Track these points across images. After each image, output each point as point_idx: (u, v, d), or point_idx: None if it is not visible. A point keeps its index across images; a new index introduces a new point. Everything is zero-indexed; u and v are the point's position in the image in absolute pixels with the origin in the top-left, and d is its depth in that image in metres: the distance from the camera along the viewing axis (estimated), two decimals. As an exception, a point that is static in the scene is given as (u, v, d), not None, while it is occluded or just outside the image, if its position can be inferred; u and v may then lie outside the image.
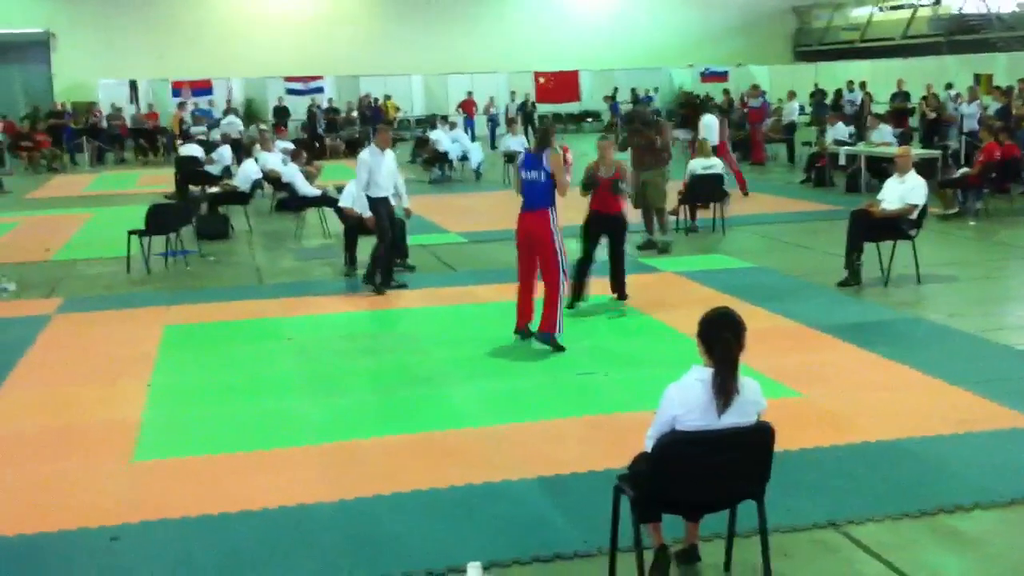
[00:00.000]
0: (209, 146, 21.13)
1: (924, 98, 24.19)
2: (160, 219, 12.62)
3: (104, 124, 31.43)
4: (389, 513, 5.37)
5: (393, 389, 7.58)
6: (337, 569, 4.75)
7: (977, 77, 29.14)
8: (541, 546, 4.90)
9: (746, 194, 18.01)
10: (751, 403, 4.16)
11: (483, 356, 8.39)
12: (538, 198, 8.82)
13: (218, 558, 4.91)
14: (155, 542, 5.13)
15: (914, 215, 10.55)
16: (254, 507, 5.47)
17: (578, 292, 9.89)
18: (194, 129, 27.15)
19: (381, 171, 10.77)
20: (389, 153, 11.10)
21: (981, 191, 15.58)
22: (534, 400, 7.22)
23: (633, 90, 37.57)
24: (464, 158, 23.06)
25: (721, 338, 4.13)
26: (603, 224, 10.07)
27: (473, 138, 27.58)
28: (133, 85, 35.36)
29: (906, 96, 25.72)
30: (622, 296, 10.15)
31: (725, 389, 4.08)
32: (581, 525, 5.11)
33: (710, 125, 17.94)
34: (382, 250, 10.83)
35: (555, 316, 8.55)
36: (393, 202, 11.28)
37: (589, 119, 38.89)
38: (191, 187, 18.21)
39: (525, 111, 32.66)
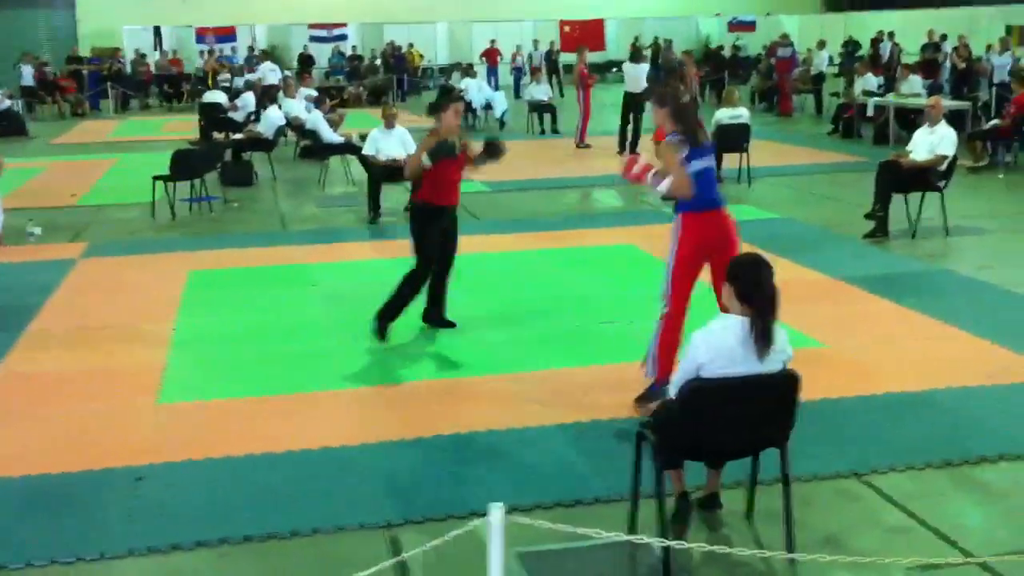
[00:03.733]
0: (233, 93, 21.09)
1: (955, 49, 23.79)
2: (184, 165, 12.63)
3: (128, 70, 31.40)
4: (413, 458, 5.40)
5: (419, 335, 7.58)
6: (362, 511, 4.77)
7: (1008, 28, 28.60)
8: (563, 492, 4.91)
9: (583, 145, 18.32)
10: (778, 351, 4.12)
11: (506, 304, 8.38)
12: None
13: (242, 499, 4.95)
14: (179, 483, 5.17)
15: (943, 166, 10.41)
16: (278, 449, 5.50)
17: None
18: (221, 76, 27.07)
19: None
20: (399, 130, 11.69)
21: (1011, 143, 15.36)
22: (558, 348, 7.21)
23: (635, 40, 36.78)
24: (488, 107, 22.90)
25: (756, 280, 4.07)
26: None
27: (496, 87, 27.40)
28: (157, 31, 35.25)
29: (937, 47, 25.30)
30: None
31: (766, 333, 4.03)
32: (604, 472, 5.12)
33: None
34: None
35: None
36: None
37: (615, 68, 38.48)
38: (215, 134, 18.20)
39: (550, 60, 32.37)
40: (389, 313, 7.35)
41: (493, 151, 7.45)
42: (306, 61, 32.22)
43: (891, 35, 28.11)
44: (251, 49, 33.62)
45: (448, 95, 7.86)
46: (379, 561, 3.92)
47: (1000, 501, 4.85)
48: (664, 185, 5.83)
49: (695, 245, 5.81)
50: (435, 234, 7.39)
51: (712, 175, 5.99)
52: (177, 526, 4.68)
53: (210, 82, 27.79)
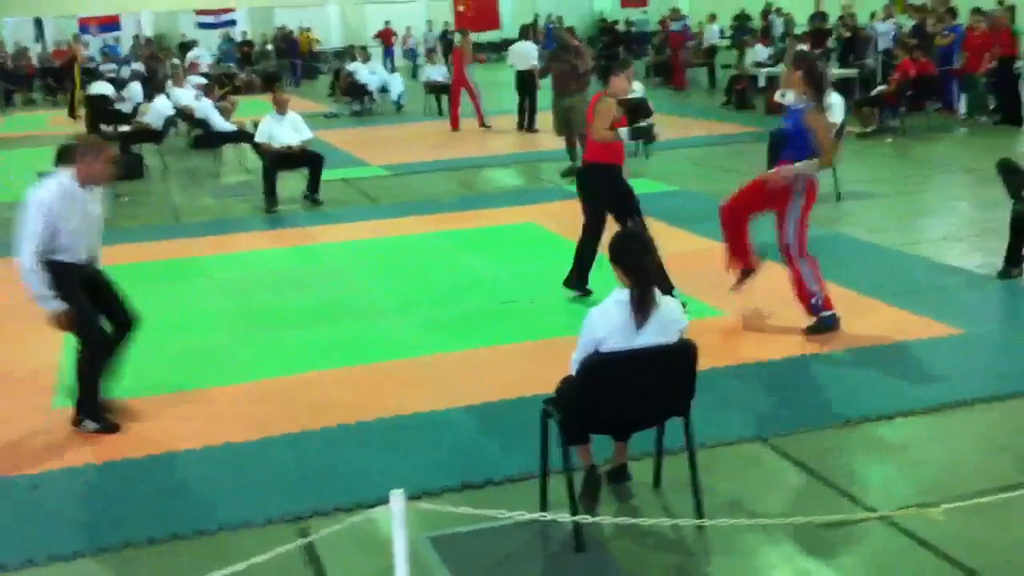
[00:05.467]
0: (119, 83, 20.51)
1: (841, 18, 24.31)
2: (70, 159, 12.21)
3: (10, 64, 30.30)
4: (318, 448, 5.32)
5: (320, 324, 7.48)
6: (268, 506, 4.69)
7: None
8: (472, 473, 4.90)
9: (484, 125, 18.20)
10: (672, 321, 4.17)
11: (408, 288, 8.32)
12: None
13: (144, 501, 4.82)
14: (79, 488, 5.02)
15: (832, 133, 10.61)
16: (178, 448, 5.38)
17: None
18: (103, 67, 26.26)
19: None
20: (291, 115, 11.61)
21: (897, 109, 15.77)
22: (461, 330, 7.18)
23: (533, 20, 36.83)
24: (384, 90, 22.68)
25: (632, 253, 4.15)
26: None
27: (393, 69, 27.15)
28: (38, 23, 34.07)
29: (823, 16, 25.81)
30: None
31: (643, 304, 4.08)
32: (512, 451, 5.11)
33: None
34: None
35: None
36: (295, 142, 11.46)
37: (510, 47, 38.49)
38: (102, 126, 17.67)
39: (445, 40, 32.20)
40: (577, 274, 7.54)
41: (644, 134, 7.30)
42: (190, 48, 31.36)
43: (777, 11, 28.56)
44: (136, 38, 32.71)
45: (623, 60, 7.79)
46: (286, 554, 3.84)
47: (898, 456, 4.98)
48: (807, 165, 6.49)
49: (813, 200, 6.68)
50: (611, 195, 7.28)
51: None
52: (78, 532, 4.56)
53: (76, 72, 26.91)
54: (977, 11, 16.97)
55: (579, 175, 7.50)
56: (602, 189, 7.29)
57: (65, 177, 5.52)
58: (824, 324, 6.64)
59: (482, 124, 18.25)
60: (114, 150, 5.75)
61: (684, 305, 4.40)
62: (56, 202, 5.41)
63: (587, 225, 7.49)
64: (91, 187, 5.62)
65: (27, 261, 5.39)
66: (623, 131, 6.98)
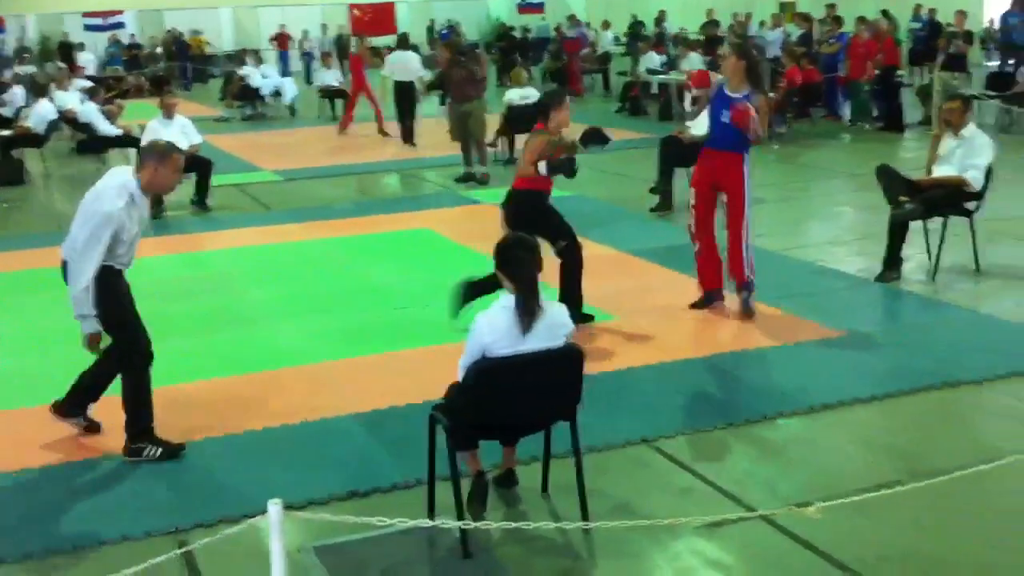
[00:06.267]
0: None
1: (731, 26, 24.86)
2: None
3: None
4: (202, 460, 5.20)
5: (208, 332, 7.34)
6: (150, 519, 4.57)
7: (783, 5, 30.18)
8: (359, 481, 4.85)
9: (383, 132, 17.51)
10: (558, 325, 4.19)
11: (299, 296, 8.22)
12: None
13: (20, 517, 4.66)
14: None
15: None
16: (55, 461, 5.21)
17: None
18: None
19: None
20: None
21: (784, 116, 16.17)
22: (352, 337, 7.12)
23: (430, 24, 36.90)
24: (277, 94, 22.39)
25: (518, 259, 4.17)
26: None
27: (287, 73, 26.83)
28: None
29: (715, 24, 26.37)
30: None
31: (528, 308, 4.10)
32: (400, 458, 5.08)
33: (402, 63, 16.47)
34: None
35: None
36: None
37: (407, 53, 38.38)
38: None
39: (340, 45, 31.95)
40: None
41: (597, 137, 7.11)
42: (67, 50, 30.34)
43: (660, 16, 29.04)
44: (20, 41, 31.71)
45: (559, 93, 7.57)
46: (163, 565, 3.75)
47: (778, 456, 5.09)
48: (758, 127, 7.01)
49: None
50: (535, 220, 6.92)
51: None
52: (-55, 551, 4.37)
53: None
54: (862, 20, 17.51)
55: (506, 198, 7.40)
56: (525, 215, 7.21)
57: (132, 183, 5.13)
58: (748, 307, 7.17)
59: (382, 131, 17.70)
60: (181, 159, 5.32)
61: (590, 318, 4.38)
62: (125, 210, 5.04)
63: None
64: (150, 195, 5.27)
65: (89, 277, 5.02)
66: (541, 166, 6.95)
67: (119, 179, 5.14)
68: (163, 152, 5.22)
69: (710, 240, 7.39)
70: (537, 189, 7.11)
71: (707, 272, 7.43)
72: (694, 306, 7.41)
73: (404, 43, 17.34)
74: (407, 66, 16.47)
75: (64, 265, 5.19)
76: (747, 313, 7.17)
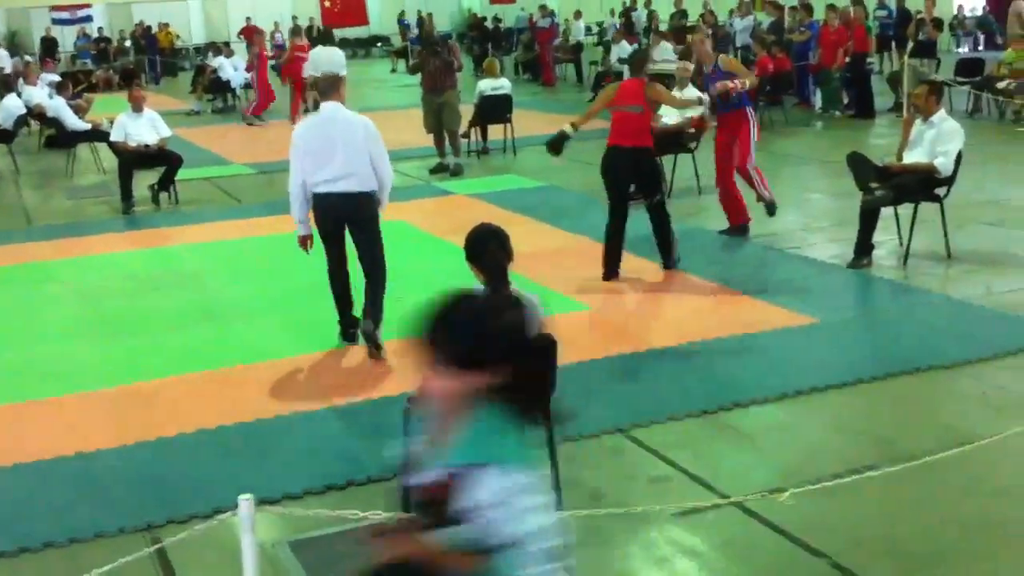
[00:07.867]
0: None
1: (701, 15, 24.89)
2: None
3: None
4: (174, 456, 5.17)
5: (179, 328, 7.28)
6: (122, 516, 4.53)
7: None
8: (336, 475, 4.83)
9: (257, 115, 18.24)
10: (527, 317, 4.18)
11: (271, 289, 8.17)
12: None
13: (-11, 516, 4.62)
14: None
15: (693, 129, 10.86)
16: (26, 459, 5.16)
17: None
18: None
19: None
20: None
21: (755, 104, 16.18)
22: (325, 330, 7.07)
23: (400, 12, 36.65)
24: (248, 86, 22.20)
25: (487, 250, 4.16)
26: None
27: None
28: None
29: (684, 13, 26.41)
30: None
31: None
32: (377, 451, 5.05)
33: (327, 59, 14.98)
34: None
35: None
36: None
37: (379, 43, 38.22)
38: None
39: (312, 36, 31.70)
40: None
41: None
42: (50, 45, 30.34)
43: (647, 3, 29.05)
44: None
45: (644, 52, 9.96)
46: (135, 562, 3.72)
47: (751, 444, 5.11)
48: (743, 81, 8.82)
49: (756, 125, 9.40)
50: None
51: None
52: (-86, 552, 4.32)
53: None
54: (832, 8, 17.56)
55: (634, 154, 8.31)
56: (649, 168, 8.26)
57: None
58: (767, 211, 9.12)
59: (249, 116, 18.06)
60: None
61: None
62: None
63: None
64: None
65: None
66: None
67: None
68: None
69: (732, 186, 9.02)
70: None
71: (730, 209, 9.07)
72: (723, 232, 9.07)
73: (327, 36, 17.27)
74: (332, 60, 15.55)
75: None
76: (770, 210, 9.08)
